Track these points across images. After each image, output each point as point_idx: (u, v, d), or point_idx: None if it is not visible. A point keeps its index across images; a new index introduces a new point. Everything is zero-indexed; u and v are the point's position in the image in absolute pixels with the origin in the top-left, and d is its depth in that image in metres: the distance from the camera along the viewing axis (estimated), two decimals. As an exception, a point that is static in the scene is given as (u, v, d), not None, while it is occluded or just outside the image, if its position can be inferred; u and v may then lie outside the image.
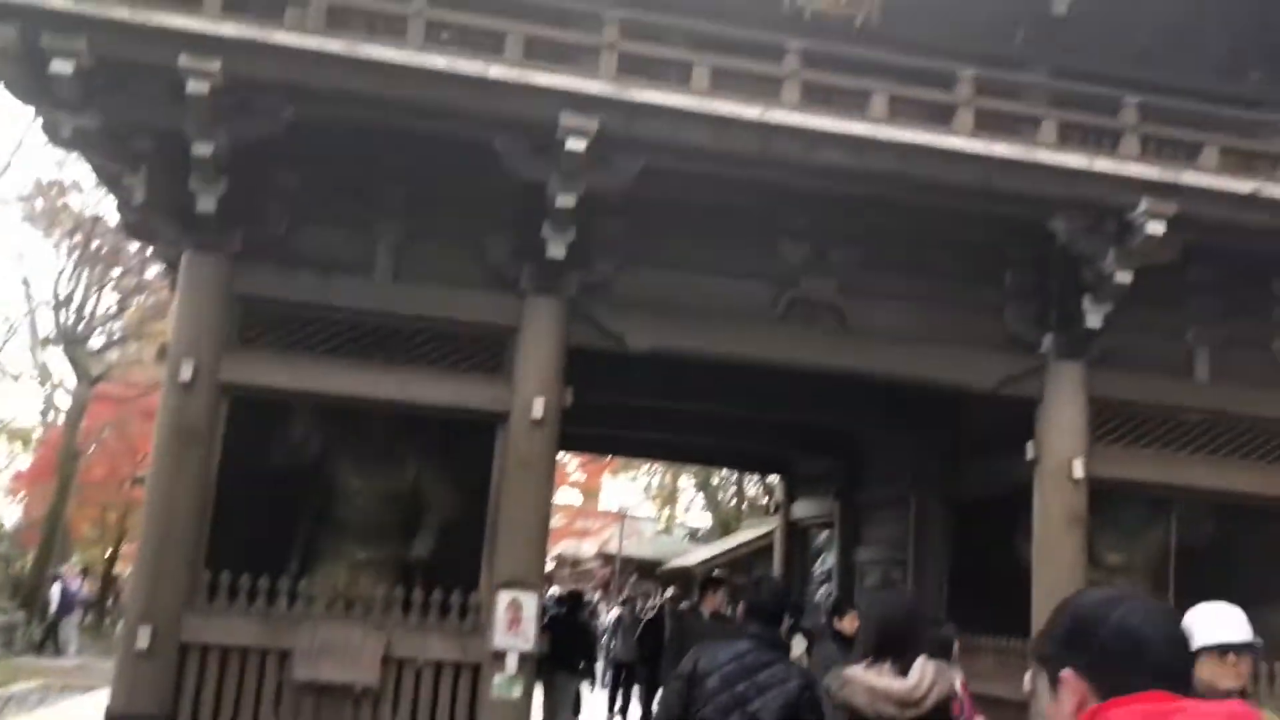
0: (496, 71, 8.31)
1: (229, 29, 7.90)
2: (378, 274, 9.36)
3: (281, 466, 9.31)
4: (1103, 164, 9.06)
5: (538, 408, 9.07)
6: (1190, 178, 9.08)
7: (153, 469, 8.99)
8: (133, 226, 9.97)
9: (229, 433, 9.02)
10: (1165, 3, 11.17)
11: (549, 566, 36.05)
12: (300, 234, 9.27)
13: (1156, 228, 8.95)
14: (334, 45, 8.07)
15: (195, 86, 7.87)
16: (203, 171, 8.53)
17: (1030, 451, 10.04)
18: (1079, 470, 9.77)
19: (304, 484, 9.38)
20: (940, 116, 9.34)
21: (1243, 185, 9.16)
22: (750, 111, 8.64)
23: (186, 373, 8.73)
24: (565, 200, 8.66)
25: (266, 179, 9.20)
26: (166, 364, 8.94)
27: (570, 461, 37.64)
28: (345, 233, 9.36)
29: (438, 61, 8.20)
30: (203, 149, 8.30)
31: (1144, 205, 8.93)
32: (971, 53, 10.43)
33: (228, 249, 8.98)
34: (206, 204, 8.70)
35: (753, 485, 38.77)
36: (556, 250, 9.02)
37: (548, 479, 9.39)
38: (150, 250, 15.30)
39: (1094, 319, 9.65)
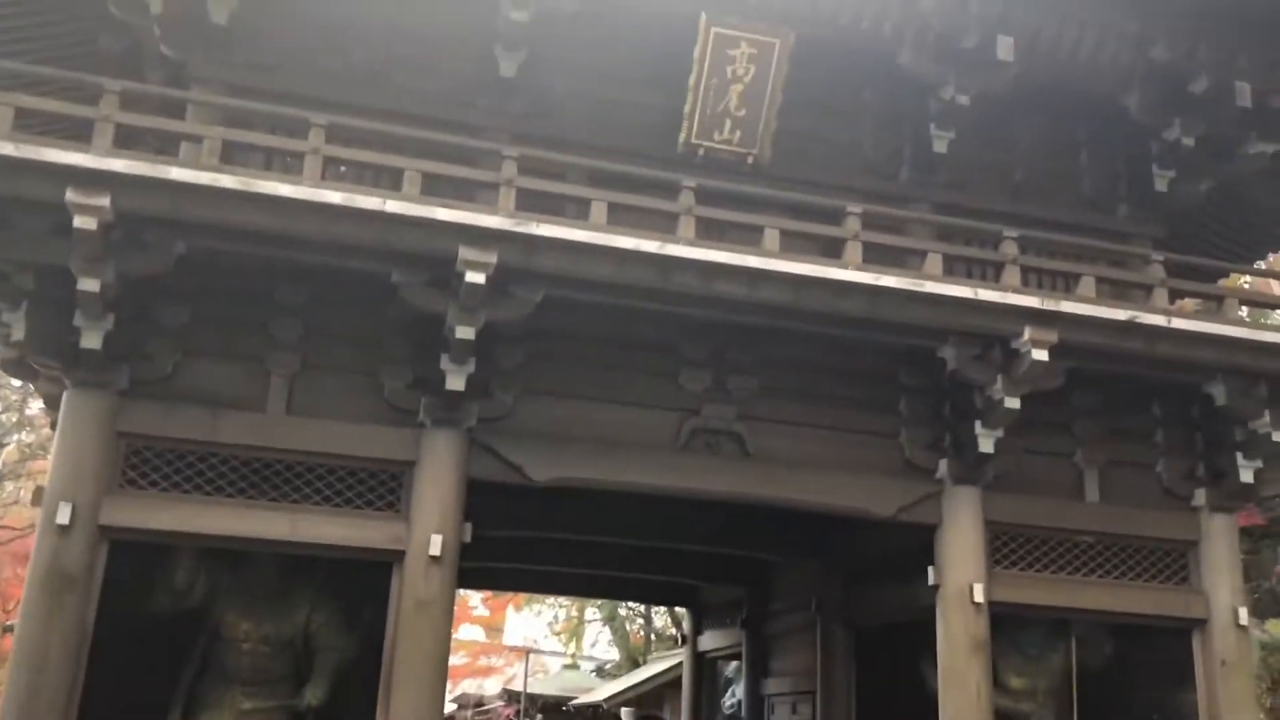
0: (394, 206, 8.32)
1: (120, 165, 7.79)
2: (270, 409, 9.12)
3: (164, 612, 8.85)
4: (987, 294, 9.39)
5: (436, 545, 8.83)
6: (1070, 307, 9.46)
7: (23, 617, 8.44)
8: (10, 364, 9.59)
9: (108, 578, 8.56)
10: (1038, 143, 11.90)
11: (449, 709, 34.76)
12: (189, 370, 9.01)
13: (1040, 355, 9.27)
14: (228, 181, 8.00)
15: (83, 222, 7.70)
16: (88, 308, 8.29)
17: (931, 577, 10.10)
18: (980, 595, 9.84)
19: (188, 630, 8.92)
20: (831, 249, 9.64)
21: (1119, 314, 9.57)
22: (649, 245, 8.79)
23: (64, 515, 8.30)
24: (464, 332, 8.62)
25: (155, 315, 8.97)
26: (43, 506, 8.50)
27: (472, 596, 36.69)
28: (236, 368, 9.13)
29: (334, 197, 8.18)
30: (89, 285, 8.08)
31: (1027, 334, 9.26)
32: (859, 188, 10.90)
33: (112, 386, 8.68)
34: (91, 340, 8.43)
35: (660, 616, 38.22)
36: (455, 382, 8.93)
37: (446, 618, 9.09)
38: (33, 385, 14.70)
39: (987, 444, 9.87)
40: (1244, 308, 10.93)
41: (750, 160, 10.81)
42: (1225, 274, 14.48)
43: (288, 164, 9.09)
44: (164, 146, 9.07)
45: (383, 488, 9.16)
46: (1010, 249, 9.89)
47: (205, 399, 8.93)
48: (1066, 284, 10.36)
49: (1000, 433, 9.86)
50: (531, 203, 8.95)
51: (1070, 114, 11.76)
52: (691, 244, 8.99)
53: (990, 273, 10.22)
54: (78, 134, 8.31)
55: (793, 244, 9.48)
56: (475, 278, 8.34)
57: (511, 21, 9.78)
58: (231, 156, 8.80)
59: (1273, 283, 19.97)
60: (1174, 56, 10.62)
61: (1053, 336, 9.29)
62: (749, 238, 9.39)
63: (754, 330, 9.72)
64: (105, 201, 7.70)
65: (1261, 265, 15.77)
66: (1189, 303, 13.23)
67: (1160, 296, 10.19)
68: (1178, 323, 9.71)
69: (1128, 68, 10.75)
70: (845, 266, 9.26)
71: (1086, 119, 11.78)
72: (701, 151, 10.73)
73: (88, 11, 10.48)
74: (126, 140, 8.36)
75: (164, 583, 8.87)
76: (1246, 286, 20.61)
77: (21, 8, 10.74)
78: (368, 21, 10.34)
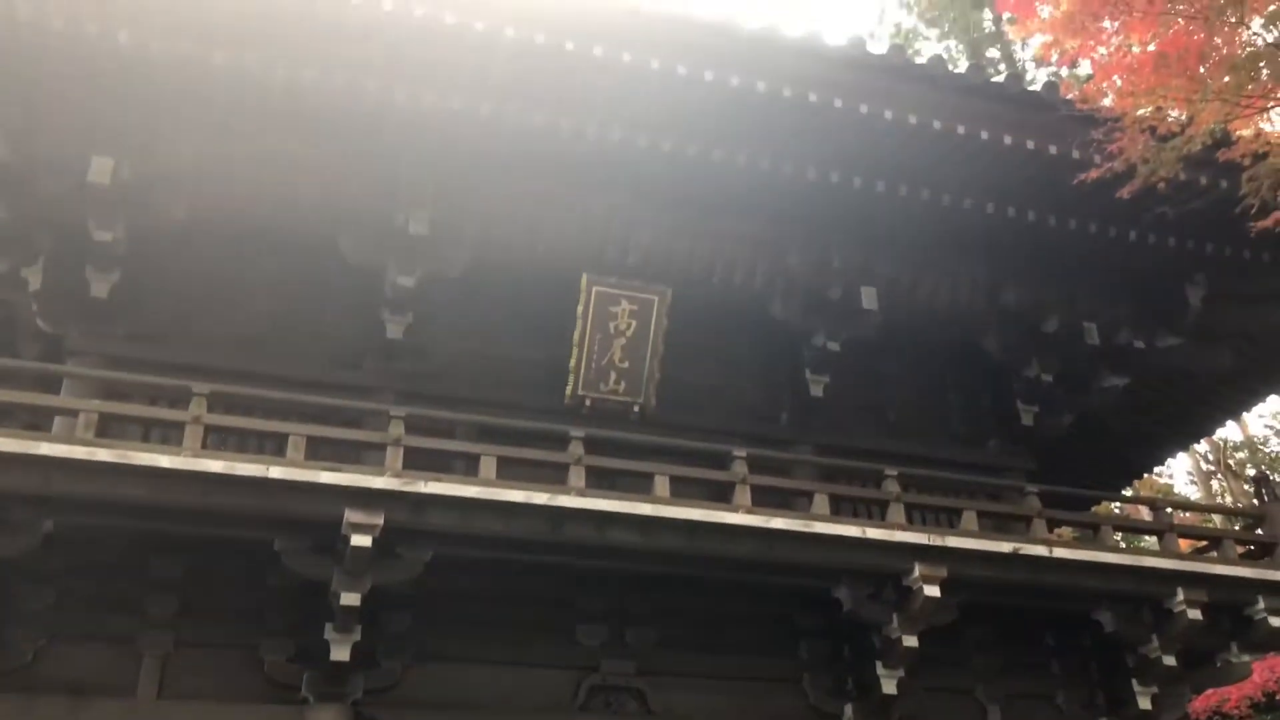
0: (277, 472, 8.17)
1: (-14, 442, 7.53)
2: (140, 693, 8.50)
3: None
4: (875, 533, 9.55)
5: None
6: (955, 541, 9.66)
7: None
8: None
9: None
10: (909, 383, 12.45)
11: None
12: (50, 656, 8.40)
13: (932, 591, 9.36)
14: (104, 454, 7.78)
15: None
16: (-58, 593, 7.78)
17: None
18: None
19: None
20: (720, 494, 9.74)
21: (1003, 545, 9.81)
22: (539, 497, 8.76)
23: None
24: (350, 598, 8.31)
25: (14, 598, 8.44)
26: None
27: None
28: (103, 650, 8.55)
29: (214, 465, 8.01)
30: (-56, 568, 7.62)
31: (917, 570, 9.38)
32: (743, 433, 11.14)
33: (-37, 678, 8.03)
34: (-56, 631, 7.86)
35: None
36: (340, 652, 8.52)
37: None
38: None
39: (889, 685, 9.76)
40: (1119, 534, 11.30)
41: (636, 409, 11.03)
42: (1097, 501, 15.07)
43: (166, 434, 8.89)
44: (37, 421, 8.81)
45: (262, 773, 8.51)
46: (892, 487, 10.14)
47: (67, 687, 8.29)
48: (950, 519, 10.61)
49: (901, 672, 9.78)
50: (420, 461, 8.89)
51: (937, 355, 12.43)
52: (582, 494, 8.99)
53: (876, 511, 10.41)
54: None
55: (683, 490, 9.56)
56: (361, 541, 8.15)
57: (399, 286, 10.01)
58: (108, 429, 8.57)
59: (1142, 508, 20.80)
60: (1023, 301, 11.43)
61: (942, 572, 9.42)
62: (640, 485, 9.44)
63: (650, 579, 9.62)
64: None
65: (1128, 492, 16.46)
66: (1067, 531, 13.65)
67: (1040, 527, 10.49)
68: (1059, 552, 9.97)
69: (983, 311, 11.51)
70: (736, 510, 9.34)
71: (952, 359, 12.46)
72: (589, 403, 10.92)
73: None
74: (-4, 416, 8.12)
75: None
76: (1118, 512, 21.38)
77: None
78: (253, 289, 10.46)
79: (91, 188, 9.10)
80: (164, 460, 7.95)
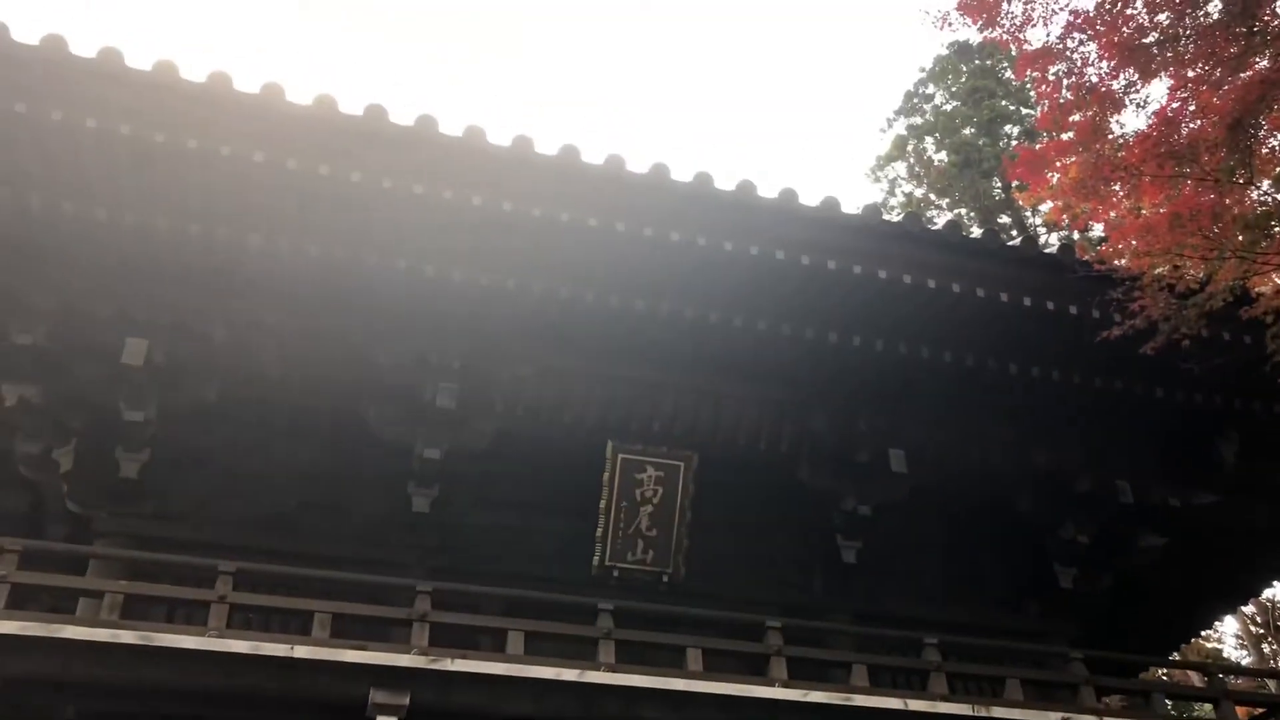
0: (302, 651, 8.03)
1: (9, 627, 7.45)
2: None
3: None
4: (917, 704, 9.22)
5: None
6: (1000, 712, 9.33)
7: None
8: None
9: None
10: (943, 547, 12.18)
11: None
12: None
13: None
14: (128, 636, 7.68)
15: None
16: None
17: None
18: None
19: None
20: (755, 666, 9.46)
21: (1050, 716, 9.42)
22: (569, 674, 8.55)
23: None
24: (371, 787, 8.01)
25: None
26: None
27: None
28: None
29: (239, 645, 7.89)
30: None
31: (965, 747, 9.00)
32: (775, 601, 10.88)
33: None
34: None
35: None
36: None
37: None
38: None
39: None
40: (1170, 700, 10.84)
41: (665, 579, 10.84)
42: (1144, 667, 14.52)
43: (192, 614, 8.76)
44: (60, 604, 8.72)
45: None
46: (933, 655, 9.82)
47: None
48: (993, 688, 10.23)
49: None
50: (447, 637, 8.72)
51: (970, 517, 12.18)
52: (613, 669, 8.76)
53: (916, 680, 10.04)
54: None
55: (716, 662, 9.28)
56: (387, 723, 7.92)
57: (426, 460, 10.03)
58: (133, 610, 8.47)
59: (1192, 674, 20.00)
60: (1054, 461, 11.31)
61: (991, 748, 9.04)
62: (671, 658, 9.18)
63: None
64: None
65: (1176, 656, 15.88)
66: (1114, 699, 13.12)
67: (1087, 695, 10.09)
68: (1111, 721, 9.57)
69: (1014, 472, 11.37)
70: (772, 684, 9.06)
71: (986, 521, 12.19)
72: (616, 573, 10.75)
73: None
74: (22, 599, 8.03)
75: None
76: (1165, 679, 20.59)
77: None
78: (280, 466, 10.48)
79: (125, 369, 9.28)
80: (188, 641, 7.84)
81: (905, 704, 9.16)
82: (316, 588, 9.06)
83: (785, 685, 9.05)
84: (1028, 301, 9.59)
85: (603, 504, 10.76)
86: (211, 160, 8.13)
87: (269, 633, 8.38)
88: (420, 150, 8.45)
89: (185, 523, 9.95)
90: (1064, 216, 9.87)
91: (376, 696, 7.96)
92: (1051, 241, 22.56)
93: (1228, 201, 8.18)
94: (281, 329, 9.57)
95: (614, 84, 60.97)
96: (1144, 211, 8.70)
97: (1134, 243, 8.62)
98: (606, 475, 10.74)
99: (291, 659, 7.96)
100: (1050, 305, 9.61)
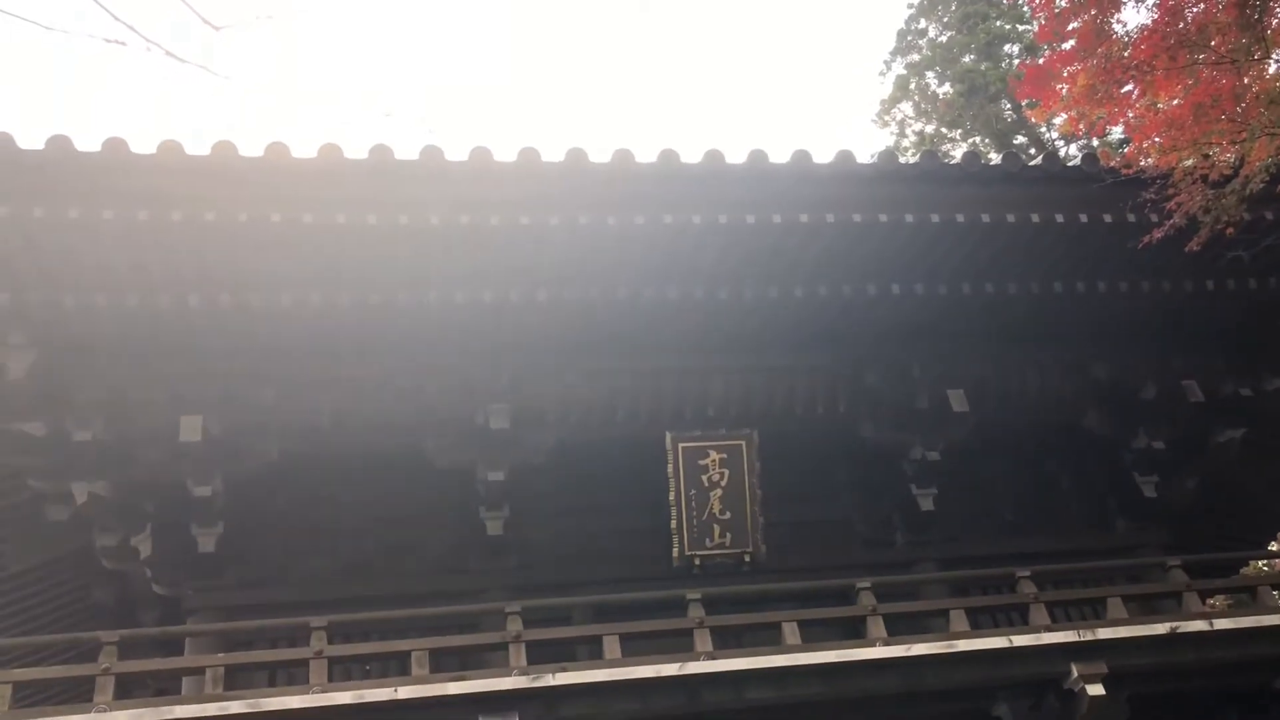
0: (406, 691, 8.11)
1: (123, 716, 7.59)
2: None
3: None
4: (1021, 639, 9.11)
5: None
6: (1107, 632, 9.17)
7: None
8: None
9: None
10: (1018, 479, 12.02)
11: None
12: None
13: (1095, 690, 8.82)
14: (236, 705, 7.80)
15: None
16: None
17: None
18: None
19: None
20: (850, 631, 9.41)
21: (1159, 627, 9.28)
22: (669, 669, 8.55)
23: None
24: (496, 811, 8.08)
25: None
26: None
27: None
28: None
29: (344, 697, 7.98)
30: None
31: (1075, 671, 8.89)
32: (859, 562, 10.83)
33: None
34: None
35: None
36: None
37: None
38: None
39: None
40: (1277, 592, 10.63)
41: (747, 559, 10.81)
42: (1244, 563, 14.29)
43: (293, 674, 8.87)
44: (164, 685, 8.87)
45: None
46: (1028, 588, 9.70)
47: None
48: (1095, 610, 10.10)
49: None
50: (542, 654, 8.75)
51: (1042, 445, 12.01)
52: (712, 657, 8.75)
53: (1016, 617, 9.93)
54: (76, 692, 8.17)
55: (811, 633, 9.24)
56: (500, 747, 7.98)
57: (490, 483, 10.08)
58: (236, 680, 8.59)
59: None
60: (1116, 373, 11.14)
61: (1101, 667, 8.91)
62: (767, 636, 9.15)
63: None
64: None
65: (1275, 546, 15.60)
66: (1219, 600, 12.91)
67: (1192, 600, 9.91)
68: (1221, 623, 9.41)
69: (1078, 392, 11.22)
70: (873, 644, 9.00)
71: (1058, 446, 12.02)
72: (698, 561, 10.73)
73: (78, 571, 10.69)
74: (127, 688, 8.17)
75: None
76: (1266, 570, 20.23)
77: (13, 584, 10.95)
78: (351, 515, 10.56)
79: (184, 447, 9.40)
80: (293, 701, 7.95)
81: (1010, 641, 9.07)
82: (407, 627, 9.14)
83: (886, 643, 8.99)
84: (1060, 219, 9.44)
85: (671, 496, 10.75)
86: (230, 229, 8.22)
87: (370, 679, 8.45)
88: (429, 183, 8.49)
89: (270, 586, 10.09)
90: (1080, 126, 9.68)
91: (486, 725, 8.01)
92: (1073, 153, 22.27)
93: (1246, 80, 8.00)
94: (328, 381, 9.66)
95: (591, 62, 60.56)
96: (1161, 107, 8.54)
97: (1158, 140, 8.45)
98: (670, 467, 10.73)
99: (397, 701, 8.03)
100: (1084, 218, 9.44)
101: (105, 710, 7.68)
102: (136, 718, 7.64)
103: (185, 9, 5.04)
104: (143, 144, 8.07)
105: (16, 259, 8.33)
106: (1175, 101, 8.30)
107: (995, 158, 10.49)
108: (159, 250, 8.38)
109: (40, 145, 7.91)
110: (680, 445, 10.77)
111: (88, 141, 8.03)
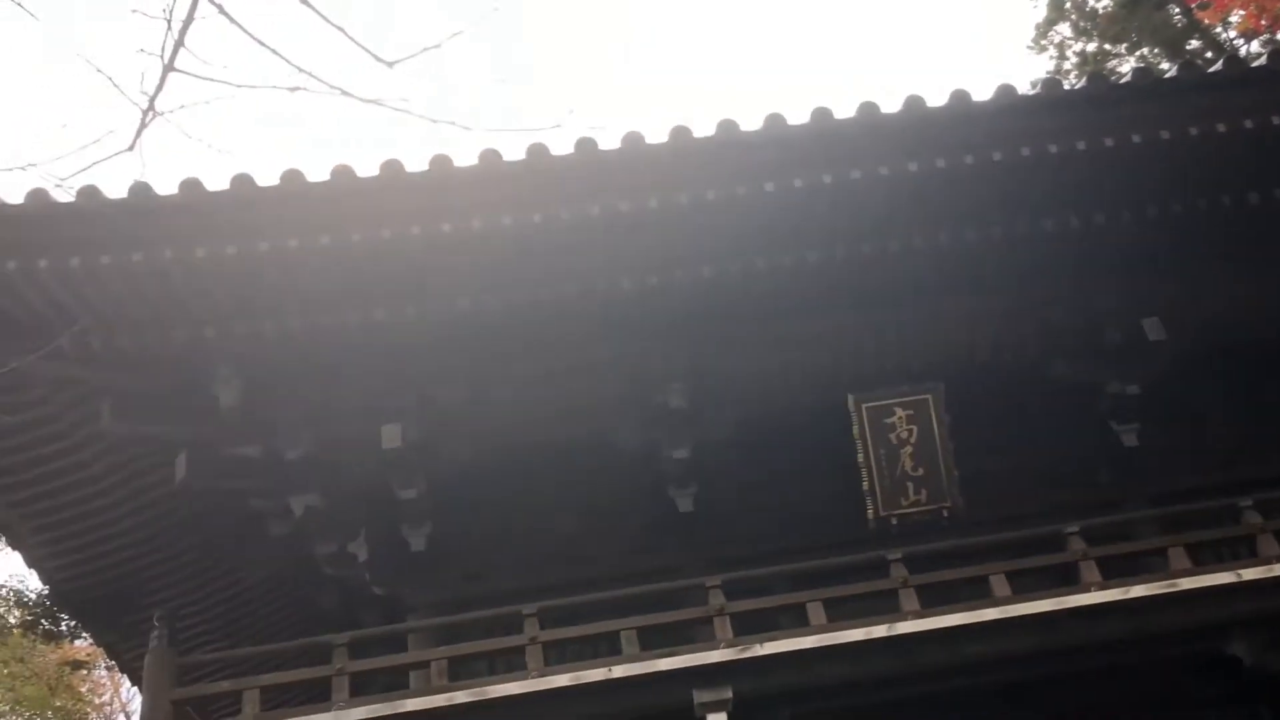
0: (620, 670, 8.36)
1: (359, 712, 8.06)
2: None
3: None
4: (1250, 572, 8.64)
5: None
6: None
7: None
8: None
9: None
10: (1226, 404, 11.20)
11: None
12: None
13: (1344, 617, 8.29)
14: (461, 695, 8.20)
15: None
16: None
17: None
18: None
19: None
20: (1062, 576, 9.10)
21: None
22: (878, 630, 8.52)
23: None
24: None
25: None
26: None
27: None
28: None
29: (561, 679, 8.27)
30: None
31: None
32: (1064, 506, 10.38)
33: None
34: None
35: None
36: None
37: None
38: None
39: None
40: None
41: (945, 514, 10.59)
42: None
43: (511, 661, 9.18)
44: (393, 681, 9.36)
45: None
46: (1254, 518, 9.16)
47: None
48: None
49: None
50: (745, 625, 8.82)
51: (1249, 363, 11.10)
52: (920, 615, 8.65)
53: (1242, 550, 9.37)
54: (312, 693, 8.73)
55: (1019, 584, 8.98)
56: (716, 718, 8.11)
57: (675, 460, 10.20)
58: (459, 671, 8.97)
59: None
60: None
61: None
62: (973, 590, 8.96)
63: (1000, 693, 8.94)
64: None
65: None
66: None
67: None
68: None
69: (1284, 299, 10.48)
70: (1088, 589, 8.70)
71: (1269, 363, 11.15)
72: (894, 521, 10.59)
73: (302, 580, 11.40)
74: (359, 686, 8.67)
75: None
76: None
77: (248, 597, 11.79)
78: (548, 507, 10.85)
79: (388, 454, 9.88)
80: (514, 687, 8.29)
81: (1238, 575, 8.62)
82: (610, 608, 9.33)
83: (1101, 588, 8.68)
84: (1249, 124, 8.83)
85: (860, 457, 10.63)
86: (403, 243, 8.60)
87: (584, 660, 8.69)
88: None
89: (482, 579, 10.54)
90: (1262, 21, 9.01)
91: (700, 696, 8.16)
92: (1257, 50, 20.72)
93: None
94: (516, 376, 9.95)
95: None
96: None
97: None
98: (855, 429, 10.61)
99: (612, 680, 8.26)
100: (1277, 120, 8.81)
101: (345, 708, 8.18)
102: (372, 712, 8.11)
103: (351, 51, 5.24)
104: (316, 174, 8.55)
105: (216, 292, 8.92)
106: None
107: (1170, 68, 9.84)
108: (342, 270, 8.83)
109: (222, 187, 8.48)
110: (864, 406, 10.62)
111: (266, 179, 8.54)
